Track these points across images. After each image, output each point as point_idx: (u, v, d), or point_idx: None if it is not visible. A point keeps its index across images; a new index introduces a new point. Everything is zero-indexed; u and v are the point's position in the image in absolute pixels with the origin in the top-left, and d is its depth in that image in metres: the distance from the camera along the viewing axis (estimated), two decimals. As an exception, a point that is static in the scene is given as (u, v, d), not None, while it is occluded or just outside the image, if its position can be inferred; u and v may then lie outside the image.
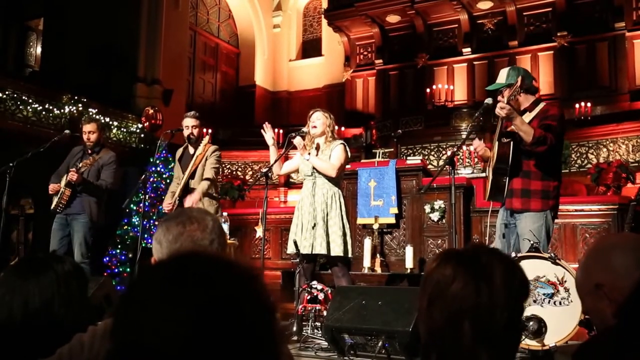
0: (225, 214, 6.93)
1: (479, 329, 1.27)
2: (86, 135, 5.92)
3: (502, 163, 4.09)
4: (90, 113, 9.47)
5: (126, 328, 0.83)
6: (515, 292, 1.32)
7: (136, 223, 8.07)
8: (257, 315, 0.84)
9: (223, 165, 11.62)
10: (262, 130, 5.21)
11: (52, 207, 5.78)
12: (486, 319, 1.27)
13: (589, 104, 10.55)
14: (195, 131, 5.67)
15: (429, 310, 1.31)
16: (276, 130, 12.25)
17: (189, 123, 5.69)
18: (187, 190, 5.50)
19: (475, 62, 12.61)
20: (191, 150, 5.70)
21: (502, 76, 4.31)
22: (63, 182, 5.75)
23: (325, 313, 4.39)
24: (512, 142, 4.07)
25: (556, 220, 6.70)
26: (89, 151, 5.93)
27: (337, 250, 4.88)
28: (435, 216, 7.01)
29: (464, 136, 10.55)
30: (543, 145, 3.94)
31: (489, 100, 4.31)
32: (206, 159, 5.54)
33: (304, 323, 4.77)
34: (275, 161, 5.11)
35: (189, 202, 5.32)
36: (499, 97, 4.19)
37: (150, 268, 0.91)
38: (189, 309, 0.80)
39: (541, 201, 4.10)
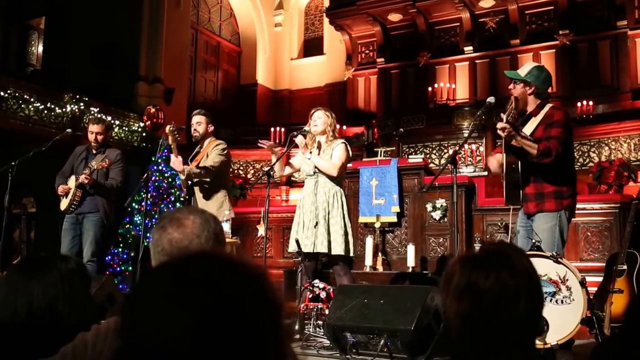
0: (227, 212, 6.93)
1: (526, 330, 1.32)
2: (93, 135, 5.91)
3: (512, 172, 4.12)
4: (92, 112, 9.49)
5: (132, 328, 0.83)
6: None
7: (138, 222, 8.09)
8: (262, 315, 0.84)
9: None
10: (261, 146, 5.19)
11: (63, 209, 5.78)
12: (531, 322, 1.32)
13: (590, 103, 10.54)
14: (199, 128, 5.55)
15: (482, 323, 1.32)
16: (278, 128, 12.31)
17: (192, 121, 5.62)
18: (191, 189, 5.47)
19: (477, 61, 12.60)
20: (172, 155, 5.63)
21: (525, 69, 4.26)
22: (73, 184, 5.75)
23: (327, 312, 4.39)
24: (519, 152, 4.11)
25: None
26: (94, 151, 5.94)
27: (338, 250, 4.88)
28: (436, 215, 7.01)
29: (465, 135, 10.55)
30: (548, 157, 3.97)
31: (491, 99, 4.29)
32: (207, 155, 5.43)
33: (306, 322, 4.78)
34: (277, 160, 5.11)
35: (172, 159, 5.30)
36: (511, 86, 4.23)
37: (155, 268, 0.91)
38: (193, 310, 0.80)
39: (555, 201, 4.11)
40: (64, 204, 5.79)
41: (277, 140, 12.11)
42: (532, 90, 4.18)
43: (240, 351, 0.80)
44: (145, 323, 0.81)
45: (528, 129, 4.12)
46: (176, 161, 5.27)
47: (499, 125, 3.91)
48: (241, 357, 0.81)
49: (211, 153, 5.43)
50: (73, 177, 5.81)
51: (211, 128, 5.65)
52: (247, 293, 0.84)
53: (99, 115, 9.42)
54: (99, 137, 5.91)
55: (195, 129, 5.57)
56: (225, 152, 5.52)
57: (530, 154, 3.99)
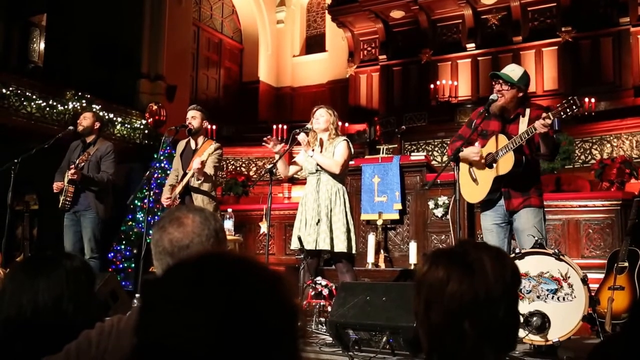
0: (230, 210, 6.95)
1: (480, 325, 1.28)
2: (79, 121, 6.07)
3: (517, 167, 4.12)
4: (94, 109, 9.49)
5: (150, 328, 0.84)
6: (509, 281, 1.35)
7: (140, 219, 8.11)
8: (279, 318, 0.85)
9: (227, 162, 11.63)
10: (265, 144, 5.17)
11: (59, 207, 5.81)
12: (486, 313, 1.29)
13: (593, 100, 10.52)
14: (195, 122, 5.58)
15: (427, 313, 1.32)
16: (280, 126, 12.30)
17: (188, 115, 5.66)
18: (187, 189, 5.49)
19: (479, 58, 12.59)
20: (193, 144, 5.67)
21: (516, 73, 4.27)
22: (66, 180, 5.79)
23: (329, 309, 4.40)
24: (523, 149, 4.15)
25: (560, 216, 6.78)
26: (85, 142, 5.99)
27: (340, 247, 4.89)
28: (439, 212, 7.01)
29: (467, 132, 10.52)
30: (555, 155, 4.19)
31: (493, 96, 4.29)
32: (208, 156, 5.48)
33: (308, 319, 4.79)
34: (280, 157, 5.11)
35: (197, 163, 5.26)
36: (503, 87, 4.23)
37: (173, 268, 0.91)
38: (211, 312, 0.80)
39: (538, 198, 4.24)
40: (60, 201, 5.84)
41: (280, 138, 12.10)
42: (522, 95, 4.27)
43: (256, 353, 0.81)
44: (163, 323, 0.82)
45: (522, 128, 4.16)
46: (198, 160, 5.28)
47: (546, 121, 3.84)
48: (256, 358, 0.81)
49: (211, 156, 5.47)
50: (67, 173, 5.86)
51: (206, 124, 5.70)
52: (265, 296, 0.85)
53: (100, 112, 9.45)
54: (84, 122, 6.02)
55: (190, 123, 5.60)
56: (222, 157, 5.72)
57: (543, 152, 4.08)
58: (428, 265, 1.34)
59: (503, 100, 4.24)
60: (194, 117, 5.60)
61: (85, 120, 6.02)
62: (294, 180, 11.46)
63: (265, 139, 5.21)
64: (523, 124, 4.18)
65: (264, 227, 7.84)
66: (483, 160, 4.29)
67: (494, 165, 4.22)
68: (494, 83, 4.32)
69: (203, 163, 5.26)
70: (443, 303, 1.29)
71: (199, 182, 5.39)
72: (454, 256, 1.34)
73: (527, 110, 4.24)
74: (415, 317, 1.38)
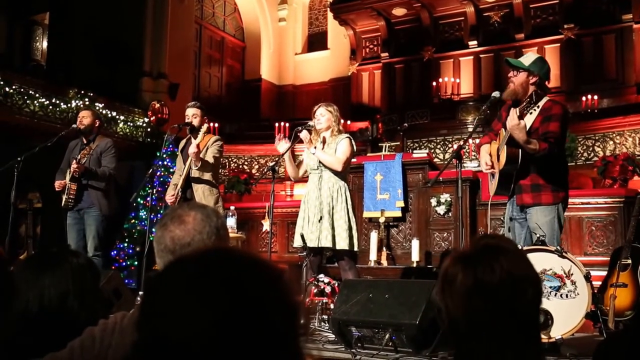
0: (232, 207, 6.96)
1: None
2: (79, 119, 6.05)
3: (511, 163, 4.07)
4: (97, 107, 9.50)
5: (152, 322, 0.84)
6: None
7: (143, 217, 8.12)
8: (281, 316, 0.85)
9: (229, 159, 11.63)
10: (277, 142, 5.20)
11: (62, 205, 5.83)
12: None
13: (595, 97, 10.51)
14: (195, 121, 5.59)
15: (486, 319, 1.33)
16: (282, 124, 12.30)
17: (188, 113, 5.67)
18: (188, 181, 5.50)
19: (481, 55, 12.58)
20: (193, 140, 5.69)
21: (529, 59, 4.22)
22: (67, 178, 5.80)
23: (332, 306, 4.41)
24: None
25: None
26: (84, 141, 5.99)
27: (342, 244, 4.89)
28: (441, 209, 7.01)
29: (470, 130, 10.53)
30: (546, 154, 3.98)
31: (496, 94, 4.28)
32: (207, 148, 5.50)
33: (311, 316, 4.79)
34: (282, 155, 5.12)
35: (193, 146, 5.28)
36: (512, 74, 4.20)
37: (175, 263, 0.91)
38: (214, 307, 0.81)
39: (552, 194, 4.09)
40: (63, 199, 5.85)
41: (282, 136, 12.08)
42: (535, 81, 4.15)
43: (257, 350, 0.81)
44: (165, 319, 0.82)
45: (528, 120, 4.06)
46: (194, 144, 5.30)
47: (514, 122, 3.84)
48: (257, 356, 0.81)
49: (211, 147, 5.49)
50: (68, 172, 5.87)
51: (206, 121, 5.73)
52: (267, 293, 0.85)
53: (103, 111, 9.47)
54: (84, 120, 6.01)
55: (191, 121, 5.61)
56: (222, 149, 5.70)
57: (530, 150, 3.97)
58: (499, 268, 1.33)
59: (512, 86, 4.18)
60: (194, 116, 5.62)
61: (86, 118, 6.02)
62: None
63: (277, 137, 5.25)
64: (532, 115, 4.10)
65: (266, 225, 7.83)
66: (495, 158, 4.28)
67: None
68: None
69: (198, 146, 5.29)
70: (518, 308, 1.32)
71: (197, 168, 5.38)
72: (511, 254, 1.37)
73: (542, 101, 4.11)
74: (469, 324, 1.36)
